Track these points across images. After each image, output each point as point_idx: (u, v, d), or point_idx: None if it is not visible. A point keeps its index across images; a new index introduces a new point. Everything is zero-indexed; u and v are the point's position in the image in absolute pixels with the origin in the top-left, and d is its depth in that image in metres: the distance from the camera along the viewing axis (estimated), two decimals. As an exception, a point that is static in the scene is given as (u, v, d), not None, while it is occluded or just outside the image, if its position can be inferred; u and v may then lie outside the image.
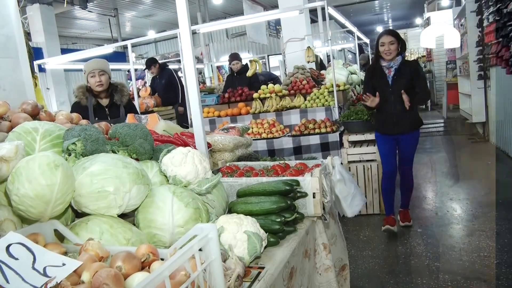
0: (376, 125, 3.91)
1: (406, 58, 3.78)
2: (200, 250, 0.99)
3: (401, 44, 3.63)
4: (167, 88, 6.84)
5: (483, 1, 6.73)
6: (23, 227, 1.22)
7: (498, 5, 5.81)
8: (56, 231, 1.23)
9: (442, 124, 9.62)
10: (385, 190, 3.88)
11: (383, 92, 3.63)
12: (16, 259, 0.92)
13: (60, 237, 1.25)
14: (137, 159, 1.62)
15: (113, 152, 1.59)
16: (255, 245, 1.36)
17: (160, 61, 7.50)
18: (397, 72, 3.61)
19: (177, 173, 1.51)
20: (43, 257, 0.97)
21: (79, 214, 1.37)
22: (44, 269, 0.92)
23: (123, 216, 1.39)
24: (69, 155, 1.42)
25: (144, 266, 1.01)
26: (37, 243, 1.07)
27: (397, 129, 3.66)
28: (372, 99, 3.61)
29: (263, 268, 1.37)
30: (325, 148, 4.48)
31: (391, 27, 21.60)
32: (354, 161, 4.42)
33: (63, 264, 0.95)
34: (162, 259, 1.06)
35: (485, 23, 6.76)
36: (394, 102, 3.59)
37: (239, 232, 1.35)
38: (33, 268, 0.92)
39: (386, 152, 3.80)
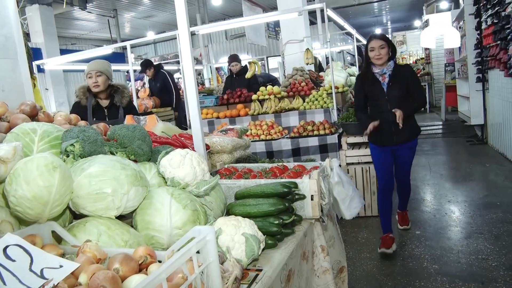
0: (372, 136, 3.54)
1: (398, 63, 3.52)
2: (197, 252, 0.99)
3: (392, 48, 3.39)
4: (162, 92, 6.83)
5: (481, 4, 6.76)
6: (20, 228, 1.22)
7: (496, 8, 5.84)
8: (53, 232, 1.23)
9: (441, 126, 9.63)
10: (383, 208, 3.59)
11: (378, 100, 3.41)
12: (13, 260, 0.92)
13: (58, 239, 1.25)
14: (135, 161, 1.62)
15: (111, 153, 1.59)
16: (253, 247, 1.36)
17: (156, 63, 7.48)
18: (392, 79, 3.36)
19: (175, 175, 1.51)
20: (41, 259, 0.96)
21: (77, 216, 1.37)
22: (41, 271, 0.92)
23: (121, 217, 1.39)
24: (67, 156, 1.42)
25: (142, 268, 1.01)
26: (35, 245, 1.07)
27: (395, 139, 3.41)
28: (373, 127, 3.35)
29: (261, 270, 1.37)
30: (324, 150, 4.48)
31: (390, 29, 21.64)
32: (352, 163, 4.42)
33: (61, 266, 0.95)
34: (159, 261, 1.05)
35: (484, 25, 6.79)
36: (391, 110, 3.29)
37: (237, 234, 1.35)
38: (30, 270, 0.92)
39: (383, 165, 3.54)
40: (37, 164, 1.15)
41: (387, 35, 3.56)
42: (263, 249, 1.46)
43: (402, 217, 3.97)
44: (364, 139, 4.34)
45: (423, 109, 12.55)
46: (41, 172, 1.14)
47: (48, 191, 1.14)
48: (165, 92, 6.83)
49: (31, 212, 1.14)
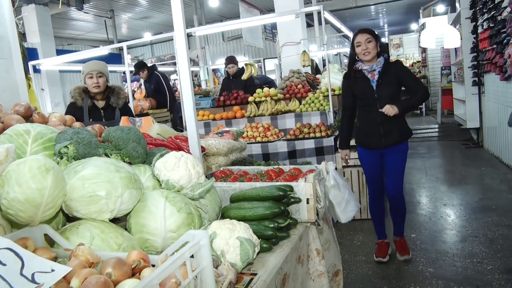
0: (359, 139, 3.36)
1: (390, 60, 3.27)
2: (191, 256, 0.98)
3: (380, 44, 3.14)
4: (155, 94, 6.82)
5: (477, 8, 6.79)
6: (12, 231, 1.20)
7: (492, 12, 5.87)
8: (46, 235, 1.22)
9: (437, 130, 9.67)
10: (374, 214, 3.49)
11: (367, 99, 3.18)
12: (4, 264, 0.90)
13: (51, 242, 1.23)
14: (130, 163, 1.61)
15: (106, 155, 1.58)
16: (247, 251, 1.35)
17: (150, 64, 7.46)
18: (382, 76, 3.12)
19: (170, 177, 1.49)
20: (32, 263, 0.95)
21: (70, 218, 1.36)
22: (33, 275, 0.91)
23: (115, 220, 1.37)
24: (61, 158, 1.40)
25: (135, 272, 0.99)
26: (27, 248, 1.05)
27: (384, 141, 3.17)
28: (346, 158, 3.44)
29: (255, 274, 1.36)
30: (320, 152, 4.48)
31: (386, 32, 21.73)
32: (348, 166, 4.41)
33: (52, 270, 0.94)
34: (153, 265, 1.04)
35: (480, 29, 6.82)
36: (381, 109, 3.08)
37: (232, 238, 1.34)
38: (21, 274, 0.90)
39: (372, 169, 3.34)
40: (29, 166, 1.13)
41: (379, 35, 3.32)
42: (258, 253, 1.45)
43: (400, 245, 3.45)
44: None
45: (419, 111, 12.69)
46: (33, 174, 1.12)
47: (41, 194, 1.13)
48: (159, 93, 6.82)
49: (23, 215, 1.12)
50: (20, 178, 1.11)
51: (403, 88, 3.26)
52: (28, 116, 1.83)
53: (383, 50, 3.17)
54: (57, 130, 1.54)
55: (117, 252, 1.16)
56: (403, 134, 3.21)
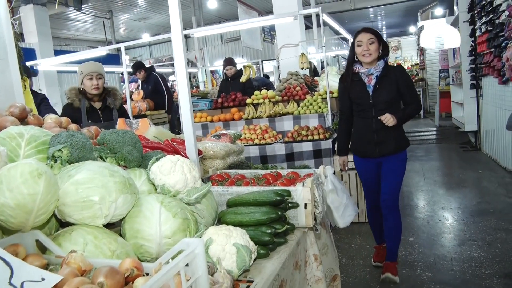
0: (354, 146, 3.19)
1: (390, 64, 3.09)
2: (186, 265, 0.95)
3: (383, 46, 2.95)
4: (153, 94, 6.78)
5: (476, 11, 6.80)
6: (3, 237, 1.17)
7: (490, 16, 5.88)
8: (38, 241, 1.19)
9: (434, 132, 9.67)
10: (372, 219, 3.35)
11: (362, 105, 3.01)
12: (-8, 273, 0.88)
13: (43, 248, 1.21)
14: (125, 167, 1.59)
15: (101, 158, 1.55)
16: (244, 258, 1.33)
17: (148, 65, 7.44)
18: (379, 81, 2.93)
19: (165, 182, 1.47)
20: (22, 271, 0.92)
21: (63, 224, 1.33)
22: (22, 284, 0.88)
23: (109, 225, 1.35)
24: (55, 162, 1.38)
25: (128, 281, 0.97)
26: (17, 255, 1.02)
27: (379, 150, 2.99)
28: (343, 164, 3.32)
29: (252, 281, 1.33)
30: (318, 155, 4.46)
31: (385, 35, 21.74)
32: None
33: (42, 279, 0.91)
34: (147, 274, 1.02)
35: (478, 33, 6.83)
36: (376, 117, 2.92)
37: (228, 244, 1.32)
38: (10, 283, 0.87)
39: (369, 178, 3.17)
40: (21, 171, 1.10)
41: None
42: (254, 259, 1.43)
43: (390, 268, 3.11)
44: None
45: (417, 114, 12.68)
46: (25, 179, 1.09)
47: (32, 199, 1.10)
48: (157, 95, 6.79)
49: (14, 220, 1.10)
50: (11, 183, 1.09)
51: None
52: (23, 117, 1.81)
53: (385, 53, 2.98)
54: (52, 132, 1.52)
55: (111, 259, 1.14)
56: (399, 143, 3.01)
